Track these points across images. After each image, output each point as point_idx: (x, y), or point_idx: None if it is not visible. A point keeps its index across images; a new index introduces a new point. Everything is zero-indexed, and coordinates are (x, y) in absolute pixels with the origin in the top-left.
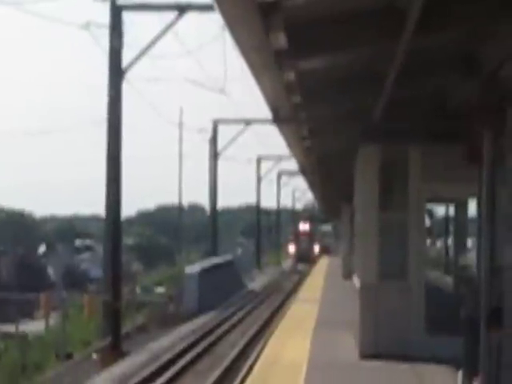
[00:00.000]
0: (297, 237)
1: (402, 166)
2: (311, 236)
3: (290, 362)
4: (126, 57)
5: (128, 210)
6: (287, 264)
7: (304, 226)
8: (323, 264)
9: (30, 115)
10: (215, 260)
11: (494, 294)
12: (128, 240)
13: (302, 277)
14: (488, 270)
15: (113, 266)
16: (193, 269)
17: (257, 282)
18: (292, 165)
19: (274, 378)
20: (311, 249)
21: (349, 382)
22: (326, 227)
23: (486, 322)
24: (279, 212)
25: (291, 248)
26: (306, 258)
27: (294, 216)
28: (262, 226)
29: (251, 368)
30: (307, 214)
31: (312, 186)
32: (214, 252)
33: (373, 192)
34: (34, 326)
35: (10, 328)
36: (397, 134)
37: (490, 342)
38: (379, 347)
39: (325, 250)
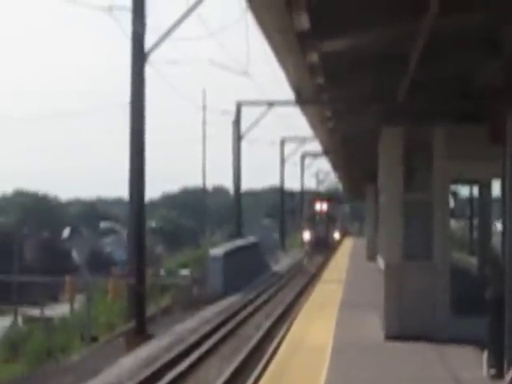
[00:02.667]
0: (312, 221)
1: (426, 146)
2: (331, 218)
3: (314, 344)
4: (149, 40)
5: (152, 192)
6: None
7: (321, 208)
8: (346, 246)
9: (56, 98)
10: (239, 242)
11: None
12: (152, 223)
13: (326, 259)
14: None
15: (137, 249)
16: (217, 251)
17: (281, 264)
18: (316, 146)
19: (299, 359)
20: (330, 234)
21: (373, 363)
22: (345, 208)
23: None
24: (303, 194)
25: (306, 235)
26: (323, 245)
27: (311, 196)
28: (286, 208)
29: (276, 350)
30: (324, 194)
31: (336, 167)
32: (238, 234)
33: (397, 173)
34: (59, 310)
35: (35, 311)
36: (421, 116)
37: None
38: (404, 328)
39: (345, 233)
